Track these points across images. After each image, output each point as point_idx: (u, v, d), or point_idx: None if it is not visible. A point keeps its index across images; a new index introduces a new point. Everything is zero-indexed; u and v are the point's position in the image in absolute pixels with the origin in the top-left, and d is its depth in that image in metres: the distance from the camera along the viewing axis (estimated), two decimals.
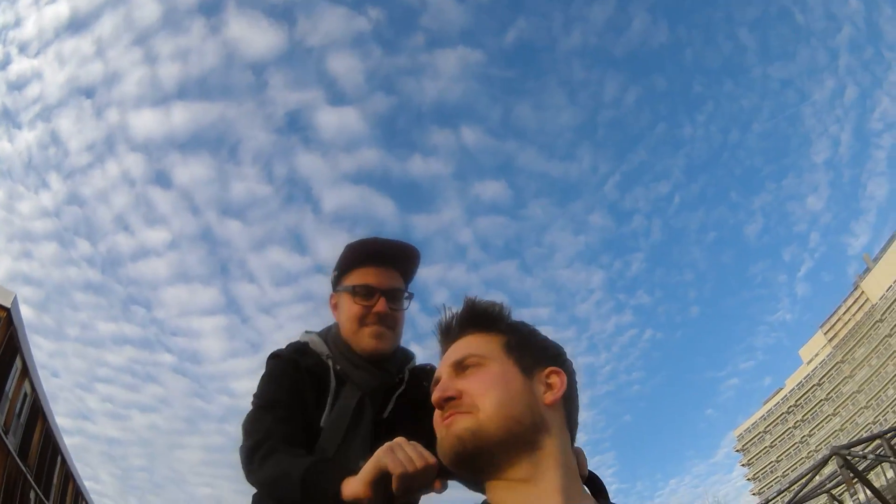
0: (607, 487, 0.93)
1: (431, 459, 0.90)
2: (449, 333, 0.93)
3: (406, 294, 1.43)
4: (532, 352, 0.89)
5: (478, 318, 0.92)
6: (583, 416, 0.91)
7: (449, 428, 0.82)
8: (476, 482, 0.86)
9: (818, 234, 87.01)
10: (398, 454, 0.92)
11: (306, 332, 1.48)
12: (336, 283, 1.45)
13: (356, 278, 1.39)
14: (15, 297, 17.13)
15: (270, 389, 1.32)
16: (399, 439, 0.94)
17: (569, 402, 0.87)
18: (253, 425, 1.25)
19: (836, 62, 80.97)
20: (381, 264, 1.40)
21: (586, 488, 0.87)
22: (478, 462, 0.81)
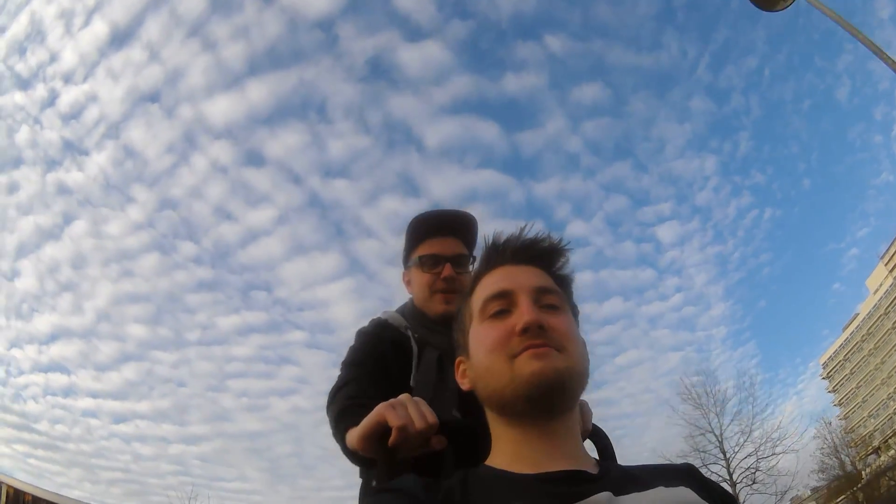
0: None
1: (432, 418, 0.89)
2: (518, 252, 0.90)
3: (470, 258, 1.54)
4: (577, 316, 0.90)
5: (556, 260, 0.91)
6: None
7: (543, 358, 0.77)
8: (513, 423, 0.82)
9: None
10: (398, 410, 0.89)
11: (385, 311, 1.62)
12: (406, 260, 1.61)
13: (422, 251, 1.53)
14: None
15: (356, 352, 1.48)
16: (403, 396, 0.93)
17: None
18: (340, 375, 1.41)
19: None
20: (442, 235, 1.53)
21: (590, 446, 0.88)
22: (552, 402, 0.78)
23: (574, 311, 0.90)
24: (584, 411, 1.10)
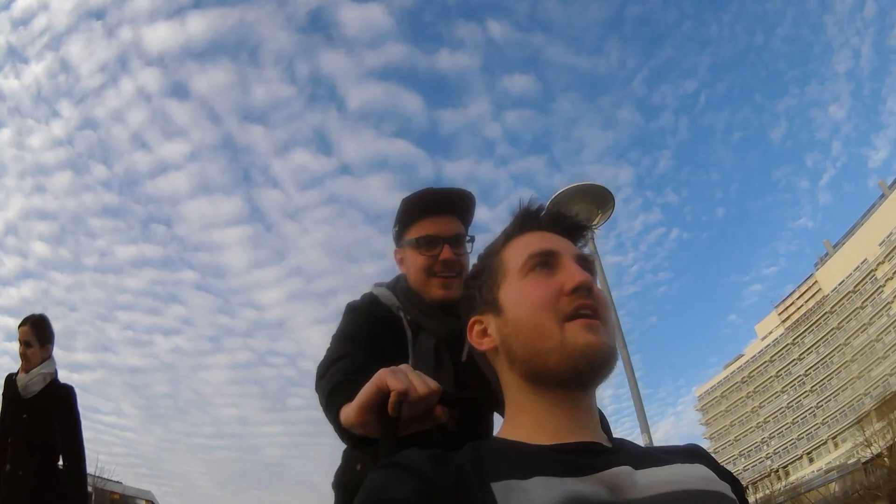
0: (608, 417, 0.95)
1: (434, 385, 0.85)
2: (553, 220, 0.88)
3: (468, 238, 1.46)
4: None
5: (582, 237, 0.90)
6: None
7: (595, 331, 0.75)
8: (496, 403, 0.82)
9: (840, 143, 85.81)
10: (399, 375, 0.84)
11: (376, 284, 1.52)
12: (398, 238, 1.50)
13: (418, 230, 1.43)
14: None
15: (349, 328, 1.38)
16: (404, 365, 0.89)
17: None
18: (331, 349, 1.30)
19: None
20: (439, 213, 1.44)
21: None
22: (598, 376, 0.77)
23: None
24: None
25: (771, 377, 60.61)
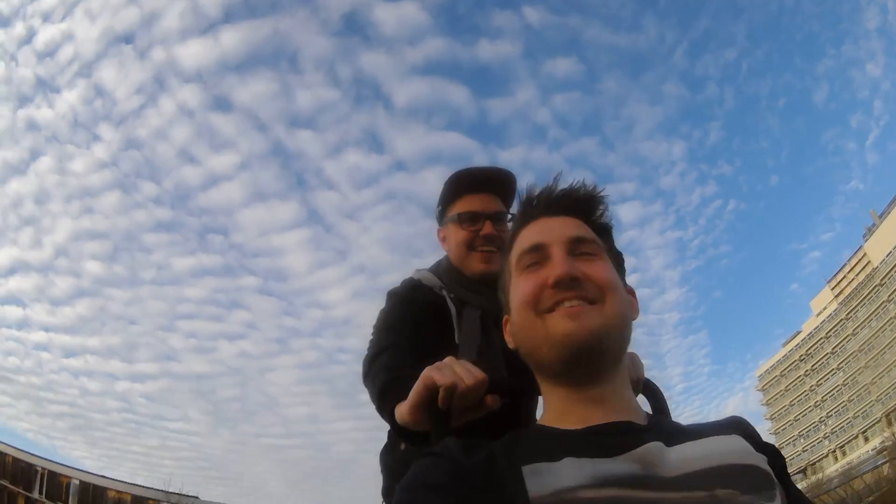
0: (664, 393, 0.99)
1: (481, 375, 0.87)
2: (553, 203, 0.87)
3: (508, 216, 1.47)
4: (621, 265, 0.88)
5: (593, 208, 0.88)
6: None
7: (577, 318, 0.75)
8: (550, 386, 0.81)
9: (881, 101, 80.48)
10: (444, 370, 0.87)
11: (417, 270, 1.54)
12: (441, 216, 1.55)
13: (460, 207, 1.48)
14: None
15: (391, 316, 1.41)
16: (448, 358, 0.90)
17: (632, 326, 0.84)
18: (374, 341, 1.35)
19: None
20: (480, 191, 1.48)
21: (643, 403, 0.86)
22: (594, 362, 0.76)
23: (618, 261, 0.88)
24: (635, 363, 1.08)
25: (827, 354, 58.50)
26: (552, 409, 0.80)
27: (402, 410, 0.96)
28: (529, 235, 0.85)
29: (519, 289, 0.82)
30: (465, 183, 1.50)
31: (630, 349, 0.82)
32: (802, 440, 60.07)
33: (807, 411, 60.29)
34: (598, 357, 0.76)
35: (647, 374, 1.15)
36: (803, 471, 55.24)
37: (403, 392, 0.95)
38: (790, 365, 63.68)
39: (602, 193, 0.89)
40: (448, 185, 1.53)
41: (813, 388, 60.02)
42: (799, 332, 63.83)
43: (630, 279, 0.92)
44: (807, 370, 60.94)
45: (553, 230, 0.84)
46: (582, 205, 0.87)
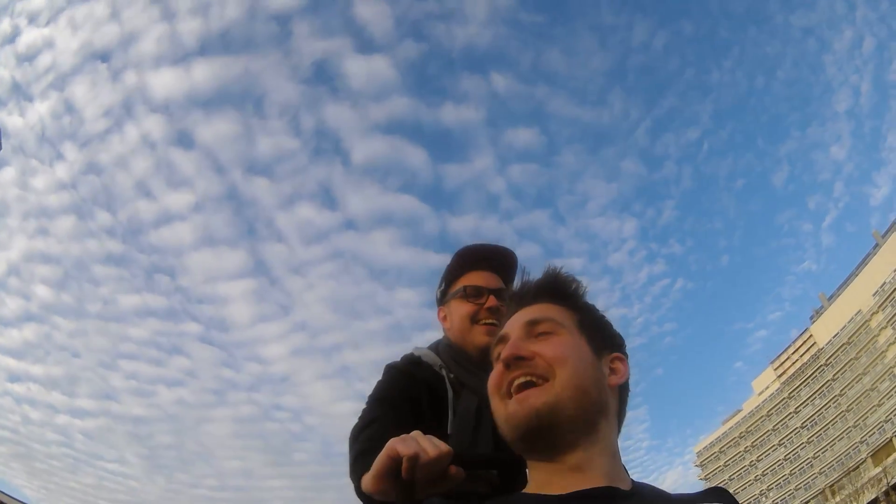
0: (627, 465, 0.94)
1: (445, 447, 0.88)
2: (523, 298, 0.93)
3: (508, 293, 1.44)
4: (602, 334, 0.91)
5: (557, 289, 0.93)
6: None
7: (524, 402, 0.79)
8: (522, 461, 0.85)
9: (842, 183, 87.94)
10: (408, 441, 0.89)
11: (416, 347, 1.56)
12: (443, 296, 1.57)
13: (465, 282, 1.52)
14: None
15: (386, 389, 1.41)
16: (415, 432, 0.92)
17: (624, 391, 0.88)
18: (365, 411, 1.36)
19: (854, 13, 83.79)
20: (484, 268, 1.54)
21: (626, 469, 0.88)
22: (544, 439, 0.79)
23: (595, 331, 0.90)
24: None
25: (768, 431, 61.94)
26: (535, 478, 0.83)
27: (366, 480, 0.98)
28: (501, 331, 0.92)
29: (490, 379, 0.87)
30: (470, 260, 1.56)
31: None
32: None
33: (746, 485, 62.44)
34: (549, 432, 0.78)
35: None
36: None
37: (371, 463, 0.98)
38: (729, 441, 66.59)
39: (567, 273, 0.95)
40: (452, 264, 1.57)
41: (753, 462, 62.83)
42: (739, 411, 67.33)
43: None
44: (747, 446, 63.96)
45: (515, 320, 0.90)
46: (547, 289, 0.93)
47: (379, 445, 1.01)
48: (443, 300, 1.58)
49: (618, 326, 0.94)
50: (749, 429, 64.41)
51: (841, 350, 55.02)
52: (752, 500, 61.47)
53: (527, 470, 0.86)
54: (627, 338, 0.92)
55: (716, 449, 68.35)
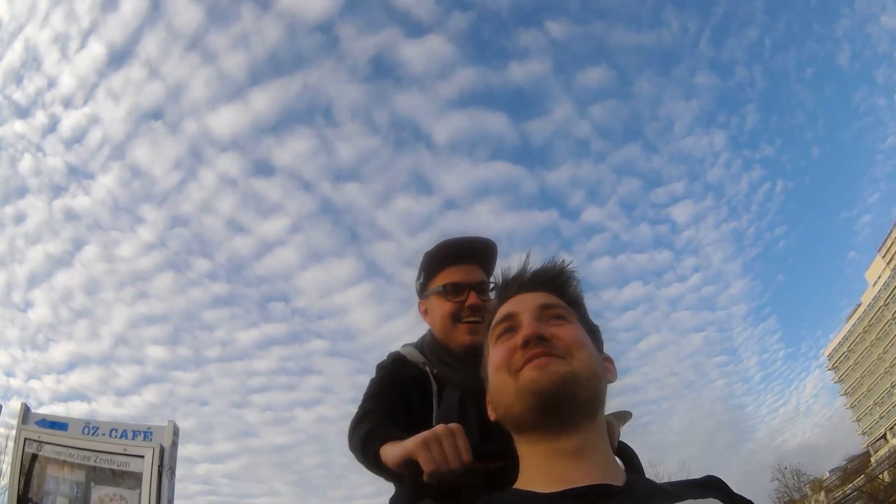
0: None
1: (467, 457, 0.88)
2: (526, 282, 0.94)
3: (490, 285, 1.48)
4: (597, 335, 0.93)
5: (562, 284, 0.94)
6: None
7: (544, 369, 0.78)
8: (530, 438, 0.82)
9: None
10: (433, 450, 0.87)
11: (403, 345, 1.57)
12: (423, 290, 1.56)
13: (443, 279, 1.49)
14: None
15: (377, 386, 1.46)
16: (439, 429, 0.91)
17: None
18: (360, 407, 1.40)
19: None
20: (463, 262, 1.50)
21: (619, 462, 0.87)
22: (561, 410, 0.77)
23: (591, 329, 0.94)
24: (612, 429, 1.08)
25: (888, 321, 59.81)
26: (527, 468, 0.82)
27: (389, 454, 1.03)
28: (503, 310, 0.92)
29: (493, 357, 0.87)
30: (446, 255, 1.52)
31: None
32: (878, 408, 60.63)
33: (878, 379, 61.09)
34: (568, 403, 0.78)
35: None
36: (883, 436, 56.07)
37: (390, 437, 1.06)
38: (856, 338, 64.81)
39: (571, 268, 0.96)
40: (427, 258, 1.55)
41: (880, 356, 61.03)
42: (859, 305, 65.19)
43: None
44: (872, 340, 62.09)
45: (524, 301, 0.91)
46: (553, 281, 0.95)
47: (384, 423, 1.22)
48: (423, 293, 1.57)
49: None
50: (871, 322, 62.41)
51: None
52: (885, 393, 60.22)
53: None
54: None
55: (844, 349, 66.73)
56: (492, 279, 1.49)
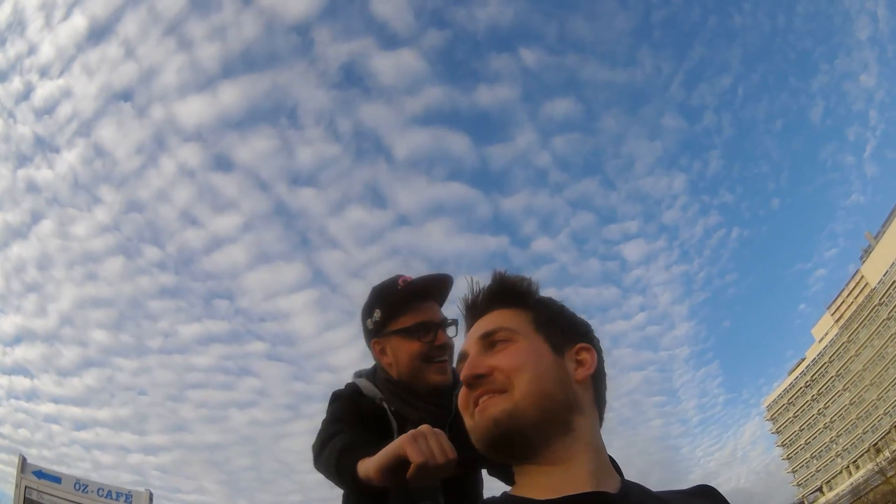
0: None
1: (452, 454, 0.90)
2: (475, 308, 0.92)
3: (450, 322, 1.50)
4: (562, 328, 0.88)
5: (506, 292, 0.90)
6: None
7: (483, 412, 0.79)
8: (505, 467, 0.87)
9: (875, 111, 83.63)
10: (421, 444, 0.90)
11: (356, 374, 1.58)
12: (380, 329, 1.50)
13: (410, 319, 1.46)
14: None
15: (339, 411, 1.45)
16: (424, 427, 0.93)
17: (598, 380, 0.86)
18: (322, 430, 1.40)
19: None
20: (425, 300, 1.49)
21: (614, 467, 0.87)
22: (513, 445, 0.78)
23: (549, 325, 0.87)
24: None
25: (832, 377, 61.06)
26: (521, 480, 0.82)
27: (368, 467, 1.01)
28: (461, 348, 0.91)
29: (459, 398, 0.87)
30: (408, 294, 1.49)
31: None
32: (815, 461, 61.42)
33: (817, 433, 62.05)
34: (518, 437, 0.78)
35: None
36: (819, 489, 56.49)
37: (365, 452, 1.04)
38: (797, 391, 65.93)
39: (513, 274, 0.93)
40: (388, 295, 1.51)
41: (821, 410, 62.11)
42: (803, 360, 66.51)
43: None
44: (813, 395, 63.23)
45: (471, 335, 0.89)
46: (497, 295, 0.91)
47: (357, 440, 1.21)
48: (380, 332, 1.51)
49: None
50: (814, 377, 63.64)
51: (893, 287, 53.77)
52: (822, 447, 61.16)
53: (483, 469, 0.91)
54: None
55: (784, 401, 67.84)
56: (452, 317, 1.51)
